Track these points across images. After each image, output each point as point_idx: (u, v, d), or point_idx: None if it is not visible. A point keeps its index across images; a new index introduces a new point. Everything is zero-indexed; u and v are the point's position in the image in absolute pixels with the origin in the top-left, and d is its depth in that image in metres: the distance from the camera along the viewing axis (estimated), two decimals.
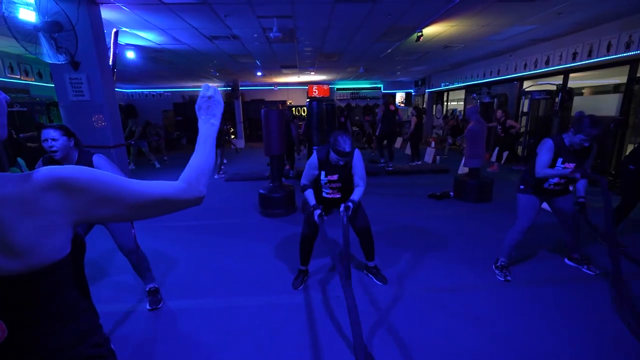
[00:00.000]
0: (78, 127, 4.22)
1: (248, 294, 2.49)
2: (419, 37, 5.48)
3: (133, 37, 5.55)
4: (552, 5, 4.35)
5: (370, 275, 2.64)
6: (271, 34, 4.88)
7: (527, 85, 7.85)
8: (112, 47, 4.25)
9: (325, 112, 4.89)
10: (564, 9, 4.48)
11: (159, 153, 9.88)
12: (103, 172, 0.64)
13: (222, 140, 7.07)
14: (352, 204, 2.15)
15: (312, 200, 2.27)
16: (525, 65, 7.34)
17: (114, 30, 4.38)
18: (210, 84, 0.87)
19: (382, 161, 7.04)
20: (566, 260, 2.82)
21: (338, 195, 2.38)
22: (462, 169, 5.91)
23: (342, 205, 2.14)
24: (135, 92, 13.39)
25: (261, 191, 4.35)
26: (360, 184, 2.28)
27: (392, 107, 6.17)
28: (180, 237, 3.66)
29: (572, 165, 2.33)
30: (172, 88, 13.61)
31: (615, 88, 6.42)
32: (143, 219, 0.71)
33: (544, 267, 2.78)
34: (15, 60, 6.47)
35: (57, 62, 3.43)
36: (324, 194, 2.38)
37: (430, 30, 5.53)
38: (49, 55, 3.29)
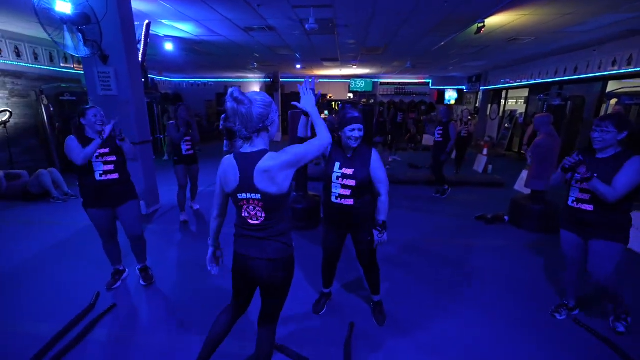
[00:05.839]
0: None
1: None
2: (479, 29, 4.66)
3: (170, 28, 5.44)
4: None
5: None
6: (307, 25, 4.44)
7: (613, 87, 6.52)
8: (142, 39, 4.11)
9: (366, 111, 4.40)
10: None
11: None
12: (299, 149, 1.34)
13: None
14: (382, 228, 1.88)
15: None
16: (614, 62, 6.05)
17: (146, 22, 4.24)
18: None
19: (446, 189, 5.21)
20: None
21: (350, 202, 1.88)
22: (521, 186, 5.03)
23: (376, 233, 1.88)
24: (182, 81, 13.82)
25: None
26: (382, 191, 1.88)
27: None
28: (191, 245, 3.45)
29: None
30: (215, 78, 13.81)
31: None
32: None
33: None
34: None
35: (81, 55, 3.34)
36: (332, 198, 1.91)
37: (493, 21, 4.67)
38: (72, 47, 3.19)
